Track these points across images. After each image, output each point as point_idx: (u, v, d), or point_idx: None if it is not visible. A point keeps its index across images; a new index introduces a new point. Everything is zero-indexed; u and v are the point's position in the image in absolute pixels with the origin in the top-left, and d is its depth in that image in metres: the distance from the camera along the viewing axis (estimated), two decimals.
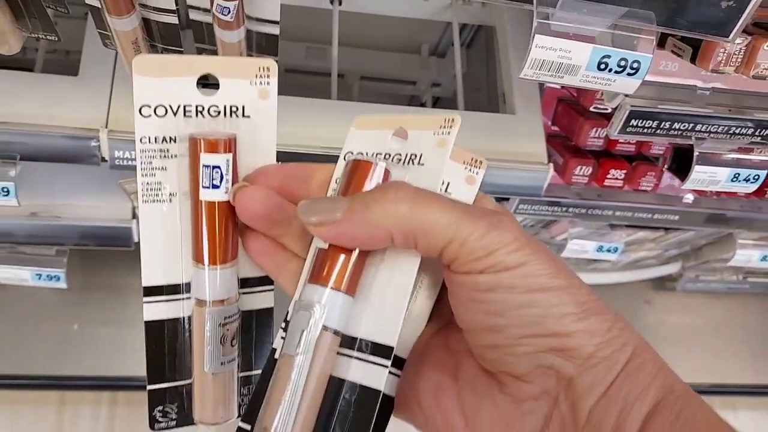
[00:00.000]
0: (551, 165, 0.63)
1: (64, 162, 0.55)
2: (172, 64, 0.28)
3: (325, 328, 0.26)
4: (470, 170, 0.30)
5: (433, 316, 0.30)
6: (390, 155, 0.28)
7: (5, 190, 0.54)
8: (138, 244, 0.74)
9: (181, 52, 0.48)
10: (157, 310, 0.30)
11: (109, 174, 0.63)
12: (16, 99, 0.54)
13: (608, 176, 0.68)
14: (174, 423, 0.30)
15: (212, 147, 0.28)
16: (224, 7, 0.43)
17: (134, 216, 0.72)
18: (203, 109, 0.29)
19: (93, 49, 0.57)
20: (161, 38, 0.47)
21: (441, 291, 0.30)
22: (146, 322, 0.29)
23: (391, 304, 0.26)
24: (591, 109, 0.63)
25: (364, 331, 0.27)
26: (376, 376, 0.26)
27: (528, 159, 0.63)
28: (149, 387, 0.30)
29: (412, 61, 0.86)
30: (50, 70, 0.60)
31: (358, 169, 0.27)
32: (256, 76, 0.29)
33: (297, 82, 0.84)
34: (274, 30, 0.47)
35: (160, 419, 0.30)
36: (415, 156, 0.28)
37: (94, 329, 0.91)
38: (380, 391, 0.26)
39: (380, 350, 0.26)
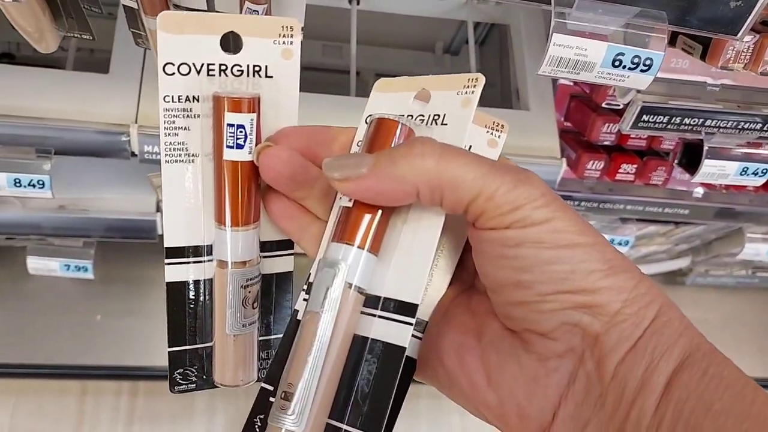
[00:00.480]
0: (564, 160, 0.65)
1: (96, 156, 0.57)
2: (197, 22, 0.28)
3: (349, 285, 0.25)
4: (492, 134, 0.29)
5: (455, 280, 0.30)
6: (413, 116, 0.28)
7: (41, 182, 0.57)
8: (161, 236, 0.76)
9: None
10: (178, 271, 0.29)
11: (133, 169, 0.65)
12: (51, 96, 0.56)
13: (620, 171, 0.69)
14: (194, 385, 0.30)
15: (237, 106, 0.27)
16: (254, 11, 0.45)
17: (158, 209, 0.74)
18: (226, 68, 0.28)
19: (122, 48, 0.59)
20: None
21: (461, 257, 0.30)
22: (168, 284, 0.29)
23: (415, 262, 0.26)
24: (603, 105, 0.64)
25: (388, 290, 0.26)
26: (400, 333, 0.25)
27: (541, 154, 0.64)
28: (169, 349, 0.29)
29: (426, 58, 0.88)
30: (79, 67, 0.62)
31: (382, 126, 0.27)
32: (280, 35, 0.28)
33: (312, 79, 0.85)
34: None
35: (181, 381, 0.30)
36: (439, 116, 0.27)
37: (117, 320, 0.92)
38: (405, 348, 0.25)
39: (404, 308, 0.26)
